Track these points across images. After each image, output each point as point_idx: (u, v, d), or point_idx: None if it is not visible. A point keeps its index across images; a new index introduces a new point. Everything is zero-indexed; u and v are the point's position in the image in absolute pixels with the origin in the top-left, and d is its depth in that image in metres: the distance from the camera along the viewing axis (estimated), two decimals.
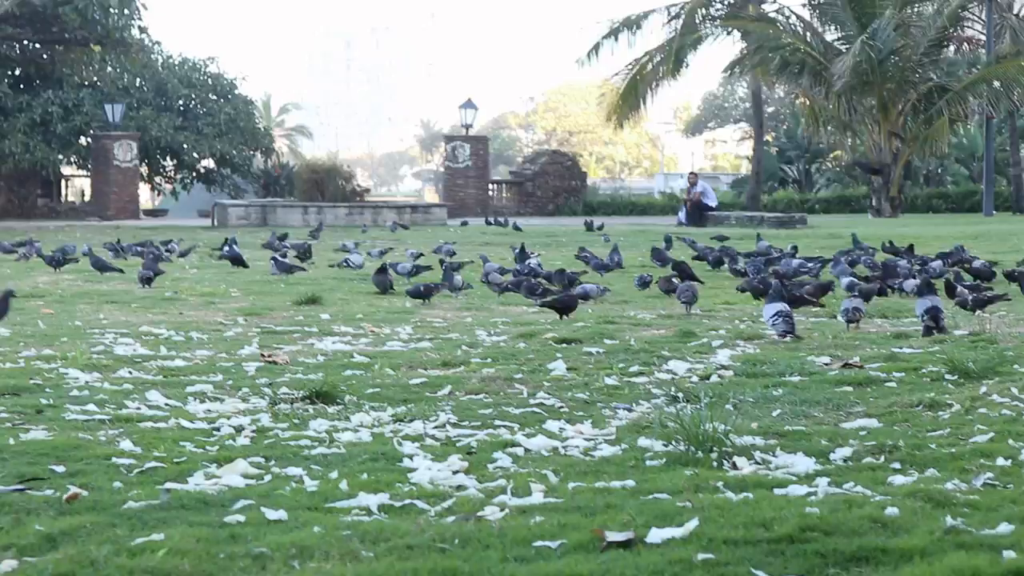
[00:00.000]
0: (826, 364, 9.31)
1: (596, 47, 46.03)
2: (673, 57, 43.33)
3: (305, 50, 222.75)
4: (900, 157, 39.25)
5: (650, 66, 44.89)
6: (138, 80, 48.11)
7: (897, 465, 5.99)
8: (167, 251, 22.71)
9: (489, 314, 13.21)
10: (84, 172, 48.14)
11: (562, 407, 7.70)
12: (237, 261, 19.96)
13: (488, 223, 35.33)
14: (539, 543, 4.72)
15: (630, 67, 45.20)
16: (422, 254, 21.04)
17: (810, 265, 17.12)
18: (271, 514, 5.10)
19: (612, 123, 47.11)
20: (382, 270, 16.04)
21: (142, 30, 43.81)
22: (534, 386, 8.48)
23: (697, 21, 44.49)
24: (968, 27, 42.38)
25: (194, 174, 49.39)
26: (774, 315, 10.82)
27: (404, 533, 4.85)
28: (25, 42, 44.93)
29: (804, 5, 43.62)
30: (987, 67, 39.06)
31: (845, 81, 36.26)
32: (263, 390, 8.23)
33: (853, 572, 4.47)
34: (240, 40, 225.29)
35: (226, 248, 21.59)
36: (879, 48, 36.83)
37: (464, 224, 35.66)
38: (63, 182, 49.64)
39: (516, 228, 31.69)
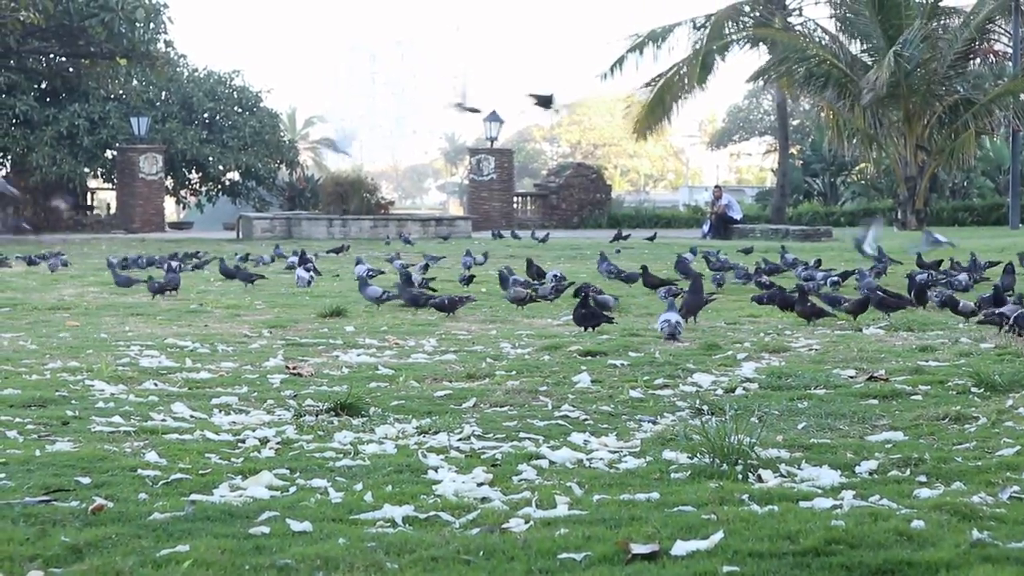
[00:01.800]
0: (851, 377, 9.28)
1: (620, 60, 45.93)
2: (700, 63, 43.20)
3: (330, 63, 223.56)
4: (926, 170, 39.09)
5: (676, 78, 44.81)
6: (163, 93, 48.35)
7: (923, 478, 5.97)
8: (195, 259, 23.00)
9: (514, 326, 13.21)
10: (110, 185, 48.36)
11: (587, 419, 7.70)
12: (230, 275, 19.29)
13: (495, 236, 35.35)
14: (564, 555, 4.72)
15: (656, 80, 45.13)
16: (428, 265, 21.17)
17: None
18: (296, 526, 5.11)
19: (638, 135, 46.96)
20: (406, 283, 16.03)
21: (168, 44, 43.98)
22: (559, 398, 8.47)
23: (725, 33, 44.37)
24: (995, 40, 42.09)
25: (219, 187, 49.58)
26: (663, 321, 11.58)
27: (429, 545, 4.85)
28: (51, 56, 45.18)
29: (830, 17, 43.47)
30: (1013, 80, 38.82)
31: (874, 94, 36.13)
32: (288, 402, 8.26)
33: None
34: (265, 54, 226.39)
35: (292, 259, 21.87)
36: (907, 61, 36.70)
37: (495, 237, 35.70)
38: (89, 195, 49.85)
39: (524, 238, 31.76)
